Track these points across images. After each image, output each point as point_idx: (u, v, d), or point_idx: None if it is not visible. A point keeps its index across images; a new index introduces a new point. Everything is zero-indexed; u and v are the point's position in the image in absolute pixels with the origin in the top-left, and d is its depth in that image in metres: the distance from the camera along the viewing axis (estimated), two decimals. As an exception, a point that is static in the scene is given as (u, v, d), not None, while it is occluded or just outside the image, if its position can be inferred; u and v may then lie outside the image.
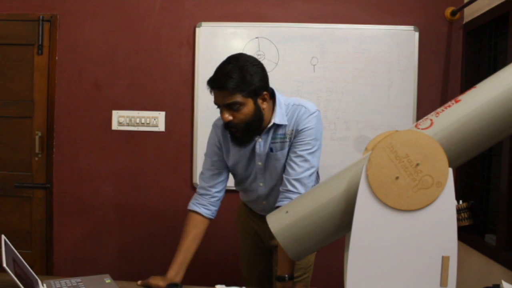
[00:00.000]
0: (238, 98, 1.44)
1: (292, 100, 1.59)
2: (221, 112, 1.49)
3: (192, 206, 1.66)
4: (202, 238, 1.63)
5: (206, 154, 1.71)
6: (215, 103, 1.50)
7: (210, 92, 1.49)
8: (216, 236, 2.56)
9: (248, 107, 1.46)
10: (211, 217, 1.67)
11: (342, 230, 1.26)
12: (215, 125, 1.70)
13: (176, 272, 1.55)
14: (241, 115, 1.47)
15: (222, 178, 1.68)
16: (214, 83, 1.46)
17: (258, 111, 1.49)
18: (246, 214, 1.89)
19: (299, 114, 1.55)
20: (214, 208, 1.67)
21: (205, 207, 1.65)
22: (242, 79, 1.43)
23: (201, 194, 1.67)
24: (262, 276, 1.89)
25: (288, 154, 1.57)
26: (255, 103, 1.48)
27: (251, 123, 1.49)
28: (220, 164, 1.68)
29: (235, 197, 1.96)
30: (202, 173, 1.71)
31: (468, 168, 2.41)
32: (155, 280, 1.52)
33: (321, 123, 1.59)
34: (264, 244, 1.84)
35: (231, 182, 1.76)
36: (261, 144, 1.58)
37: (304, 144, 1.53)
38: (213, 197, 1.66)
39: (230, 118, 1.47)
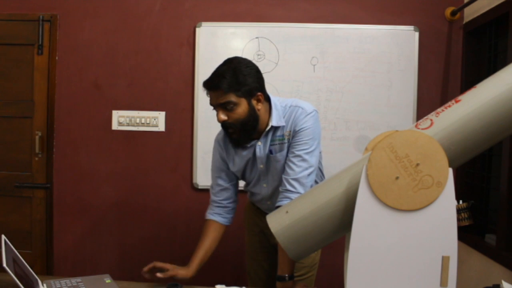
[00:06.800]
0: (232, 97, 1.48)
1: (289, 102, 1.61)
2: (217, 113, 1.53)
3: (208, 215, 1.73)
4: (219, 241, 1.71)
5: (211, 169, 1.77)
6: (211, 104, 1.54)
7: (207, 94, 1.54)
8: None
9: (242, 107, 1.50)
10: (228, 223, 1.74)
11: (342, 230, 1.26)
12: (216, 140, 1.74)
13: (197, 267, 1.60)
14: (235, 115, 1.50)
15: (230, 192, 1.74)
16: (208, 83, 1.51)
17: (252, 112, 1.52)
18: (253, 212, 1.91)
19: (296, 115, 1.56)
20: (229, 216, 1.74)
21: (221, 215, 1.72)
22: (235, 79, 1.47)
23: (215, 206, 1.74)
24: (270, 276, 1.89)
25: (287, 155, 1.58)
26: (249, 103, 1.51)
27: (245, 123, 1.52)
28: (225, 179, 1.73)
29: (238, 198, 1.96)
30: (211, 186, 1.77)
31: (468, 168, 2.41)
32: (181, 270, 1.57)
33: (319, 123, 1.59)
34: (269, 242, 1.86)
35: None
36: (260, 148, 1.60)
37: (302, 144, 1.54)
38: (226, 207, 1.73)
39: (225, 118, 1.51)
